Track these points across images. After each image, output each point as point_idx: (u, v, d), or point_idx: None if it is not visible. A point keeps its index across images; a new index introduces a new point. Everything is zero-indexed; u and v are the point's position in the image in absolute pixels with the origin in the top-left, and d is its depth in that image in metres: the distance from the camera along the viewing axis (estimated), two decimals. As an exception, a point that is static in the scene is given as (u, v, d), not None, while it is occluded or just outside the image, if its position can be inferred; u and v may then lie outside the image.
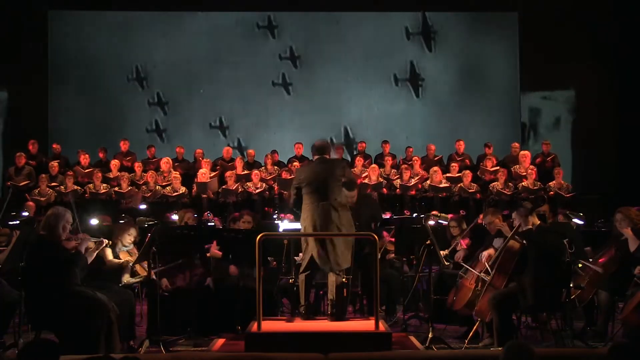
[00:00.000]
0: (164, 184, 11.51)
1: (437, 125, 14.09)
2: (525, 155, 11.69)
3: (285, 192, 10.98)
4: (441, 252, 6.80)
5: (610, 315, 6.36)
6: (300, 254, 6.43)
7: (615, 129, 12.98)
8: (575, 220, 8.20)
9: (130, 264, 6.53)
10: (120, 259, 6.58)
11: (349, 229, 6.22)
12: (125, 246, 6.71)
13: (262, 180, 11.53)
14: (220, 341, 6.26)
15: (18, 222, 8.45)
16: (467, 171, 11.48)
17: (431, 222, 8.33)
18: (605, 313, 6.32)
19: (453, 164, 11.77)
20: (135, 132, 13.67)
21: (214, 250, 7.07)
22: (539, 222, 6.08)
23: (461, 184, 11.24)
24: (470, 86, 14.17)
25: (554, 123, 13.84)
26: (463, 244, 7.26)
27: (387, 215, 9.40)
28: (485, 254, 6.31)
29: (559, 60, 13.53)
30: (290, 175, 10.61)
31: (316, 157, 6.44)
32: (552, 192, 11.05)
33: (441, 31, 14.22)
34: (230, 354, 5.41)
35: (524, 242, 5.98)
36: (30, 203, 10.42)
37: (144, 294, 7.32)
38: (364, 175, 11.59)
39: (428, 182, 11.34)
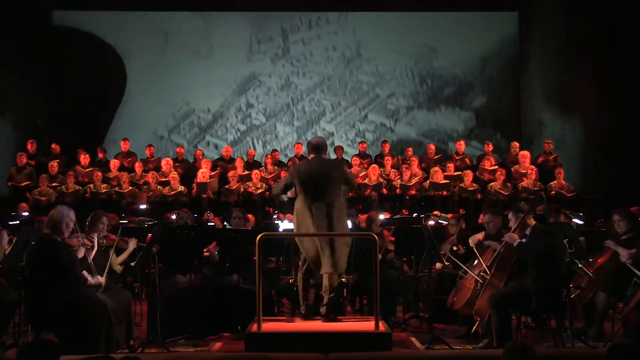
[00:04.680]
0: (162, 180, 11.52)
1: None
2: (525, 155, 11.68)
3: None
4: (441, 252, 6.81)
5: (606, 316, 6.35)
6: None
7: (616, 129, 12.97)
8: (575, 220, 8.20)
9: (110, 246, 6.41)
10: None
11: (345, 231, 6.20)
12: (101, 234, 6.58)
13: (262, 180, 11.53)
14: (220, 341, 6.27)
15: (18, 222, 8.45)
16: (468, 171, 11.48)
17: (431, 222, 8.34)
18: (602, 314, 6.32)
19: (449, 164, 11.78)
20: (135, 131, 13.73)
21: (212, 249, 7.10)
22: (534, 222, 6.06)
23: (461, 183, 11.25)
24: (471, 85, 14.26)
25: (554, 123, 13.82)
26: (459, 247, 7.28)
27: (387, 215, 9.40)
28: (473, 238, 6.32)
29: (559, 60, 13.56)
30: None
31: (312, 155, 6.29)
32: (553, 192, 11.05)
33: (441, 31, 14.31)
34: (230, 354, 5.41)
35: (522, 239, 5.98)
36: (24, 204, 10.41)
37: (144, 294, 7.32)
38: (362, 175, 11.60)
39: (428, 180, 11.34)
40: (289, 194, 6.56)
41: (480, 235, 6.37)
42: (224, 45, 14.26)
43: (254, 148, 13.88)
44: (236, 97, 14.30)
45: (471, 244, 6.36)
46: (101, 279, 5.84)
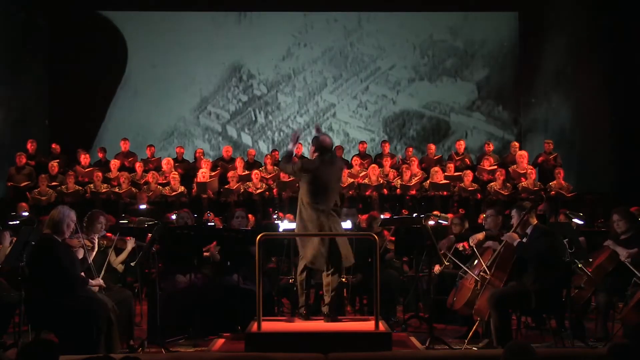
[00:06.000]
0: (162, 181, 11.52)
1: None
2: (523, 155, 11.68)
3: (284, 193, 11.02)
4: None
5: (607, 315, 6.35)
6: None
7: (615, 129, 12.96)
8: (575, 220, 8.19)
9: (109, 247, 6.43)
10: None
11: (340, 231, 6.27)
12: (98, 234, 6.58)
13: (262, 180, 11.52)
14: (220, 341, 6.27)
15: (18, 222, 8.45)
16: (468, 171, 11.48)
17: (431, 222, 8.33)
18: (603, 314, 6.32)
19: (449, 164, 11.77)
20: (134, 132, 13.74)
21: (213, 250, 7.09)
22: (536, 221, 6.06)
23: (461, 183, 11.24)
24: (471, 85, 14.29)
25: (554, 122, 13.82)
26: (464, 245, 7.26)
27: (387, 215, 9.40)
28: (474, 237, 6.34)
29: (558, 60, 13.55)
30: (289, 178, 10.58)
31: (319, 154, 6.24)
32: (553, 192, 11.04)
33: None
34: (230, 354, 5.42)
35: (523, 239, 5.97)
36: (23, 204, 10.40)
37: (144, 294, 7.32)
38: (362, 175, 11.60)
39: (428, 180, 11.34)
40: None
41: (480, 235, 6.37)
42: (225, 16, 14.29)
43: (256, 119, 14.05)
44: (237, 67, 14.33)
45: (471, 243, 6.37)
46: (100, 281, 5.84)
